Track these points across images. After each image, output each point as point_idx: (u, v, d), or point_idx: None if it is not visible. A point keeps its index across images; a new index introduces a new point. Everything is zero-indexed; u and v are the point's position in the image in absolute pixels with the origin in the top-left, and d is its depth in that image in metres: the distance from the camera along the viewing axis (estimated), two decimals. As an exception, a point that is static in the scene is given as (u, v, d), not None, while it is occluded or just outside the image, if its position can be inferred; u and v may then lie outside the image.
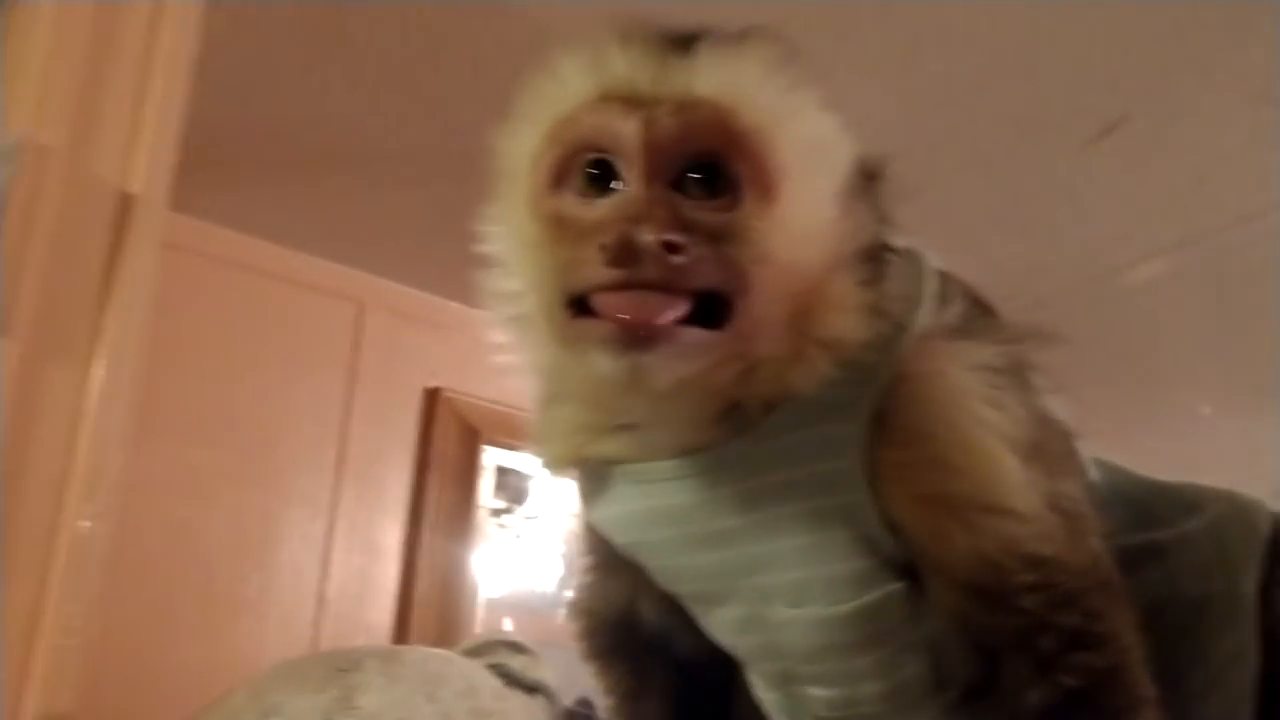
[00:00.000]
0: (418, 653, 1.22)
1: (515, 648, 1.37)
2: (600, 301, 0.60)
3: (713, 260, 0.61)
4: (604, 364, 0.60)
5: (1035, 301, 2.97)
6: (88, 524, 1.17)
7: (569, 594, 0.85)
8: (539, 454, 0.74)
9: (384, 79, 2.02)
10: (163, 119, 1.33)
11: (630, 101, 0.63)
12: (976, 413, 0.71)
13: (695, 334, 0.61)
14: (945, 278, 0.77)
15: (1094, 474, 0.81)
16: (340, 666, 1.15)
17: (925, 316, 0.72)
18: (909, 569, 0.71)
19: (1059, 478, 0.74)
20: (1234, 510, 0.81)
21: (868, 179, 0.72)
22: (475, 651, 1.61)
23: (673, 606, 0.78)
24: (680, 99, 0.63)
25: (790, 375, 0.67)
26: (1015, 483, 0.70)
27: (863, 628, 0.71)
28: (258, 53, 1.98)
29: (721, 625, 0.77)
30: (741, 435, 0.69)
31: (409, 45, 1.94)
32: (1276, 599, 0.77)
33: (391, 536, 2.70)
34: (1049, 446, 0.75)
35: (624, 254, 0.59)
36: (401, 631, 2.65)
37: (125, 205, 1.27)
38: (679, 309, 0.60)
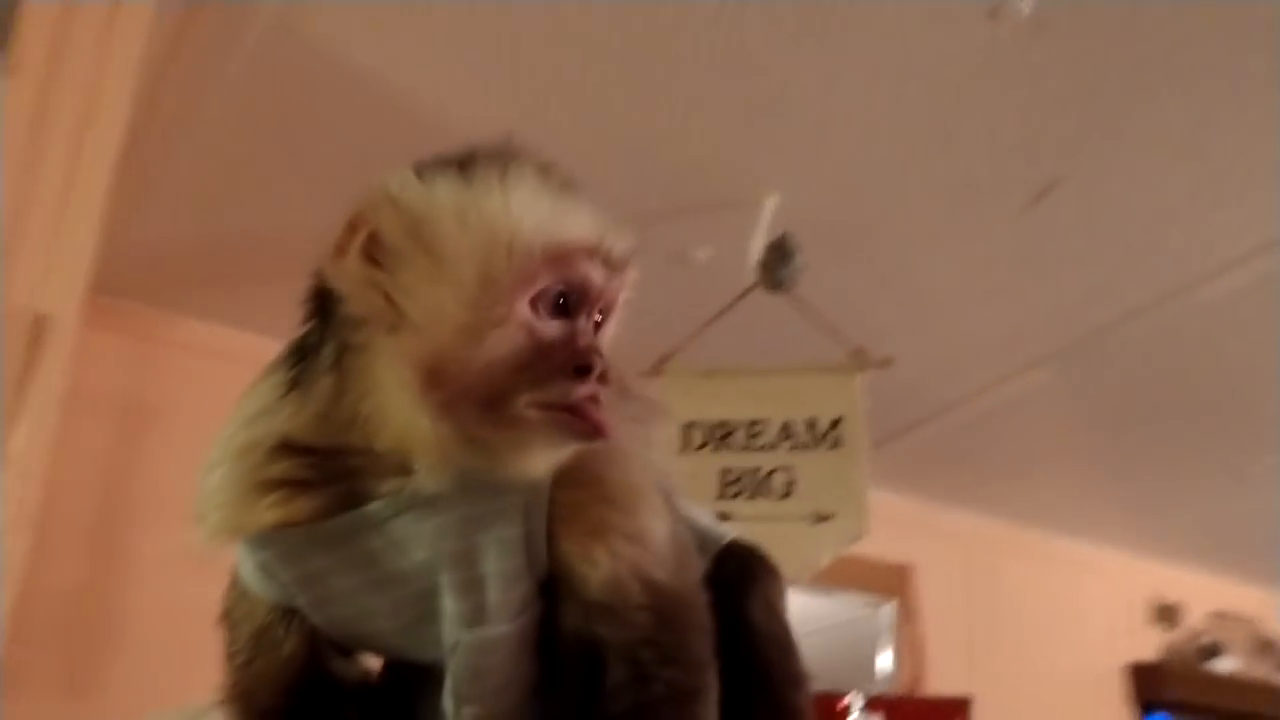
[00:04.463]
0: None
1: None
2: (577, 408, 0.76)
3: None
4: (552, 446, 0.78)
5: (1027, 363, 3.02)
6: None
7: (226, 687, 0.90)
8: (209, 527, 0.82)
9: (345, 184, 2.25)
10: (75, 249, 1.55)
11: (607, 262, 0.81)
12: (640, 460, 0.85)
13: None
14: None
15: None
16: (202, 709, 1.29)
17: None
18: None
19: (676, 520, 0.88)
20: (721, 548, 0.94)
21: None
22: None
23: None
24: (624, 267, 0.82)
25: None
26: (656, 515, 0.84)
27: (518, 645, 0.84)
28: (230, 170, 2.24)
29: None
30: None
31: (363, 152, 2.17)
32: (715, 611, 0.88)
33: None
34: (671, 494, 0.89)
35: (601, 376, 0.76)
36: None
37: (39, 325, 1.48)
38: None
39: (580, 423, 0.76)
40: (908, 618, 3.65)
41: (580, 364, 0.76)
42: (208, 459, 0.83)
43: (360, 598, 0.84)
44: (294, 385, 0.80)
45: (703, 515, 1.01)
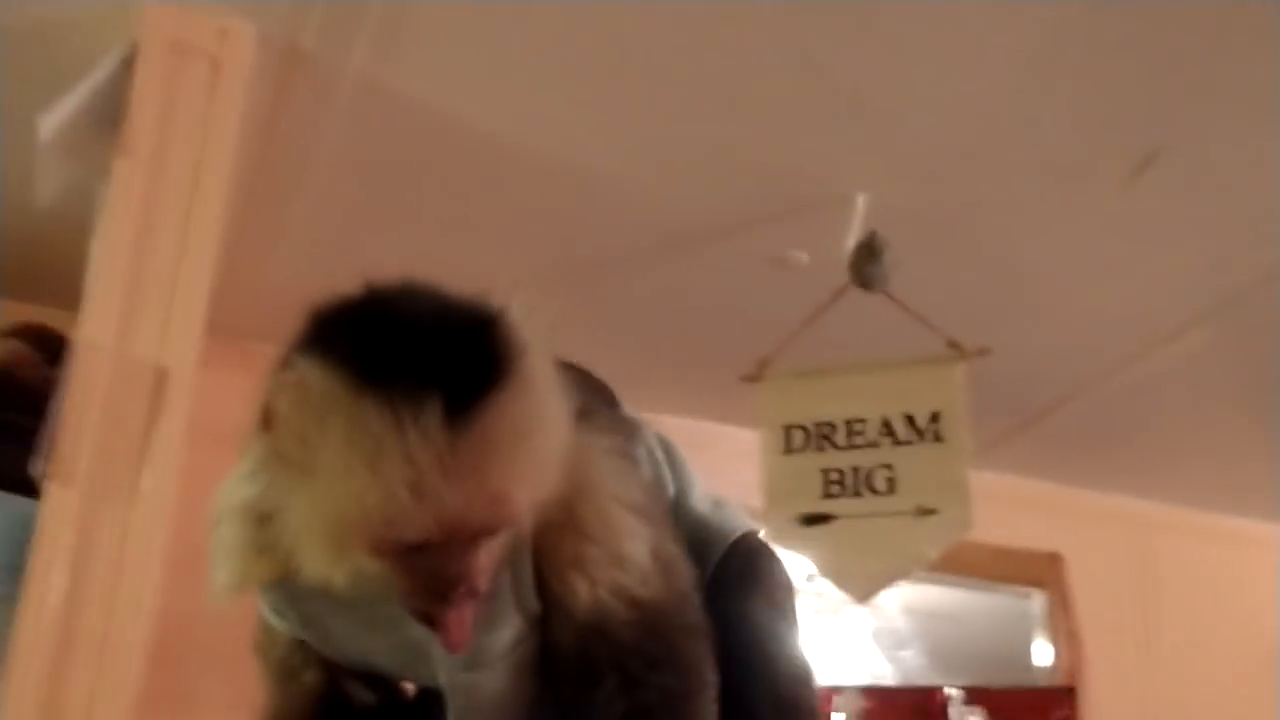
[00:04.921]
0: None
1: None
2: (443, 617, 0.81)
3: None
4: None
5: (1161, 337, 2.91)
6: (134, 622, 1.53)
7: None
8: (233, 576, 0.89)
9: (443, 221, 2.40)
10: (189, 308, 1.71)
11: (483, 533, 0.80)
12: (609, 489, 0.91)
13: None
14: (567, 371, 0.92)
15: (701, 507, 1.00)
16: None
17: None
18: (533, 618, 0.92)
19: (660, 533, 0.94)
20: (728, 545, 0.98)
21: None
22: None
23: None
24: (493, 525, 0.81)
25: None
26: (631, 538, 0.90)
27: (513, 672, 0.92)
28: (337, 216, 2.40)
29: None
30: None
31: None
32: (718, 609, 0.95)
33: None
34: (652, 509, 0.95)
35: (469, 598, 0.82)
36: None
37: (160, 377, 1.64)
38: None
39: (442, 634, 0.81)
40: (1062, 606, 3.56)
41: (442, 591, 0.79)
42: (214, 510, 0.92)
43: (358, 638, 0.94)
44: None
45: (717, 510, 1.06)
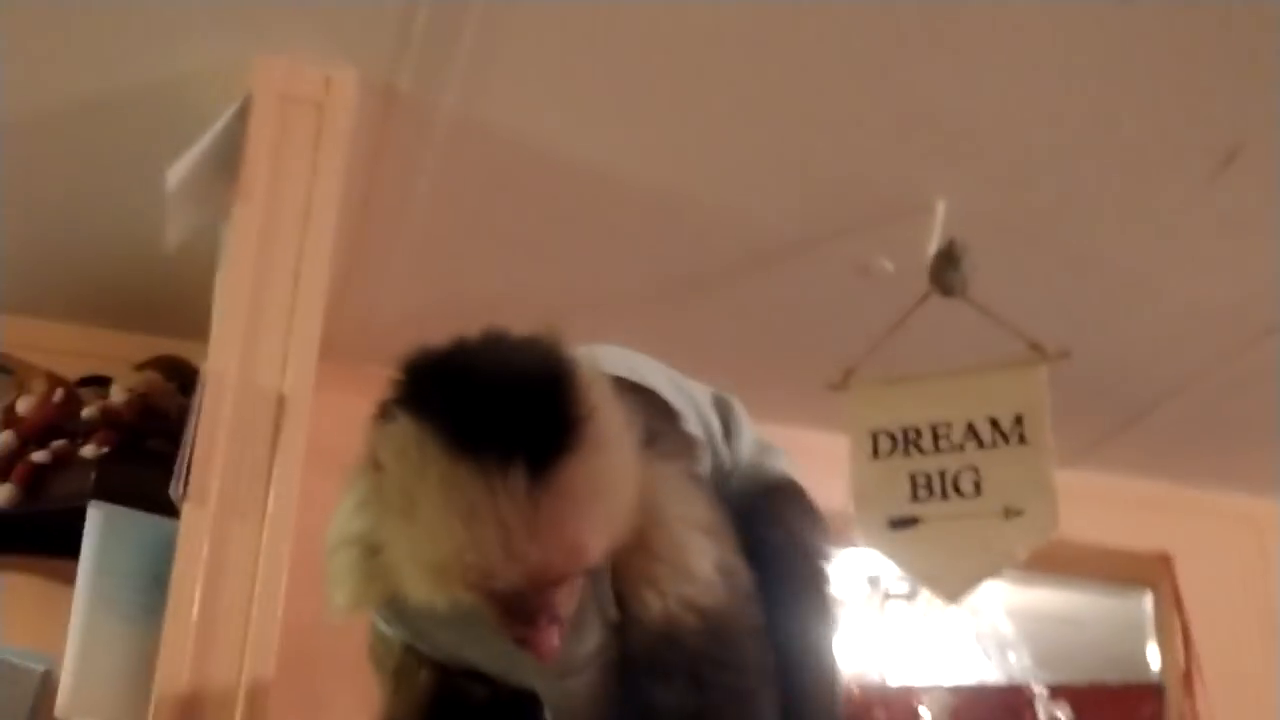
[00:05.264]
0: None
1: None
2: (529, 636, 0.92)
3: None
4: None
5: (1264, 329, 2.87)
6: (266, 630, 1.66)
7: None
8: (349, 598, 1.00)
9: (541, 248, 2.52)
10: (304, 337, 1.85)
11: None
12: (676, 512, 1.01)
13: None
14: (628, 395, 1.02)
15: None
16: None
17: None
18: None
19: (724, 544, 1.03)
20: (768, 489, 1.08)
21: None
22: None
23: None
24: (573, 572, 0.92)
25: None
26: (699, 554, 1.00)
27: (598, 676, 1.02)
28: (439, 245, 2.54)
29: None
30: None
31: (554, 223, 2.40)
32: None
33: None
34: (717, 525, 1.04)
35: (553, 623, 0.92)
36: None
37: (280, 404, 1.78)
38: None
39: (533, 651, 0.90)
40: (1171, 607, 3.51)
41: (528, 619, 0.89)
42: (330, 537, 1.02)
43: (462, 647, 1.05)
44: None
45: (754, 470, 1.16)
